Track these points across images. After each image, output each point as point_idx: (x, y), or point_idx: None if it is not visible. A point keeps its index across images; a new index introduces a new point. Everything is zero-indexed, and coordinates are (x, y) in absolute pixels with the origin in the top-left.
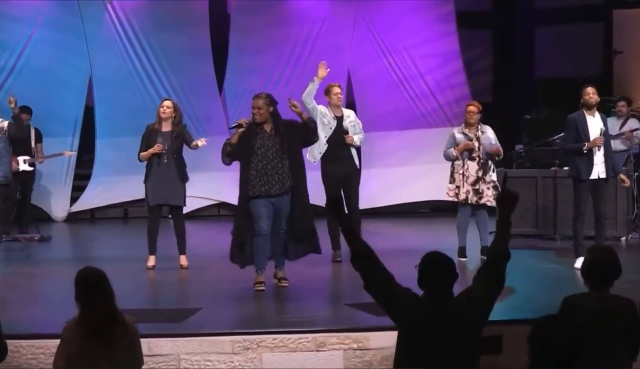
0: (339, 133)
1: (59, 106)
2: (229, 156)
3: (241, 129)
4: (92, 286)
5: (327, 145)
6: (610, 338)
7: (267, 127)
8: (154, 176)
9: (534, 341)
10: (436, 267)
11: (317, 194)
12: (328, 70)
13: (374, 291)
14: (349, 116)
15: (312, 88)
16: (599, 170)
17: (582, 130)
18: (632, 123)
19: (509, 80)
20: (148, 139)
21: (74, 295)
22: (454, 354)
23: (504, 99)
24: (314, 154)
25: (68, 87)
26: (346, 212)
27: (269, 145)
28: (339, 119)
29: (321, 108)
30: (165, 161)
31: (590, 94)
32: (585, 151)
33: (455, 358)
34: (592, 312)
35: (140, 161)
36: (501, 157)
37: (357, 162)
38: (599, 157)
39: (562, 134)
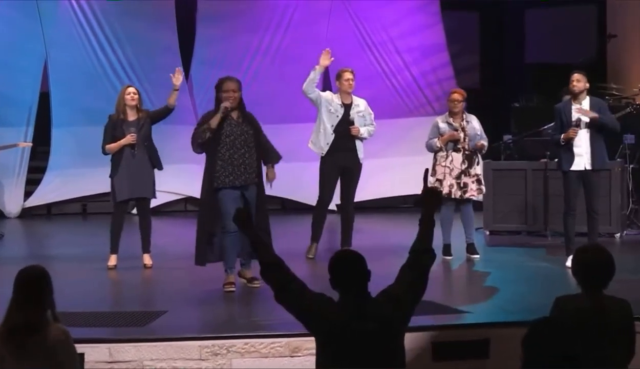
0: (346, 122)
1: (11, 93)
2: (205, 143)
3: (223, 113)
4: (26, 286)
5: (334, 135)
6: (603, 340)
7: (235, 114)
8: (126, 168)
9: (528, 344)
10: (345, 266)
11: (309, 189)
12: (332, 59)
13: (286, 301)
14: (359, 105)
15: (314, 76)
16: (584, 161)
17: (565, 120)
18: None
19: (497, 66)
20: (114, 130)
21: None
22: (375, 356)
23: (491, 86)
24: (320, 145)
25: (21, 72)
26: (254, 224)
27: (237, 133)
28: (347, 107)
29: (327, 95)
30: (137, 151)
31: (574, 81)
32: (562, 143)
33: (377, 360)
34: (585, 313)
35: (106, 154)
36: (485, 151)
37: (361, 155)
38: (583, 148)
39: (553, 123)
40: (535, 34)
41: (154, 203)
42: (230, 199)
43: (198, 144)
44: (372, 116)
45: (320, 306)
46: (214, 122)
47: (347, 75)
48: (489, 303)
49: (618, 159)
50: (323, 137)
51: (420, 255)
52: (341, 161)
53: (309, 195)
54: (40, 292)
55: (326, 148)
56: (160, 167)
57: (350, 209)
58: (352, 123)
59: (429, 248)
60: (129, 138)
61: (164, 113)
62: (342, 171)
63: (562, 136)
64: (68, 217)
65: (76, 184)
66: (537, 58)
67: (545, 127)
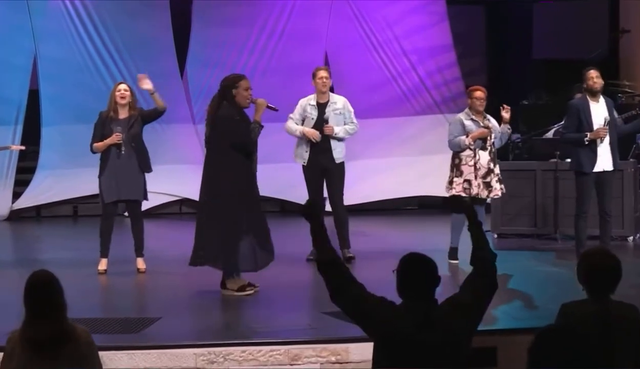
0: (321, 123)
1: None
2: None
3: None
4: (39, 293)
5: (310, 140)
6: (612, 348)
7: None
8: (111, 169)
9: (535, 353)
10: (417, 270)
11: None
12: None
13: (343, 304)
14: (336, 102)
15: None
16: (603, 162)
17: (584, 118)
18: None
19: (504, 62)
20: (102, 128)
21: (23, 300)
22: (438, 365)
23: (498, 83)
24: (302, 155)
25: (9, 68)
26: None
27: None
28: (322, 106)
29: (300, 103)
30: (124, 151)
31: (594, 77)
32: (587, 143)
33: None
34: (592, 320)
35: (94, 152)
36: (511, 130)
37: (337, 155)
38: (603, 148)
39: (563, 122)
40: (543, 29)
41: (147, 205)
42: None
43: (253, 143)
44: (352, 113)
45: (383, 312)
46: (259, 118)
47: (321, 73)
48: (496, 310)
49: (631, 160)
50: (303, 146)
51: (486, 262)
52: (320, 162)
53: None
54: (58, 298)
55: (307, 156)
56: (148, 170)
57: (339, 210)
58: (327, 122)
59: (489, 253)
60: (114, 138)
61: (156, 115)
62: (322, 173)
63: (589, 135)
64: (58, 219)
65: (67, 185)
66: (546, 54)
67: (556, 126)
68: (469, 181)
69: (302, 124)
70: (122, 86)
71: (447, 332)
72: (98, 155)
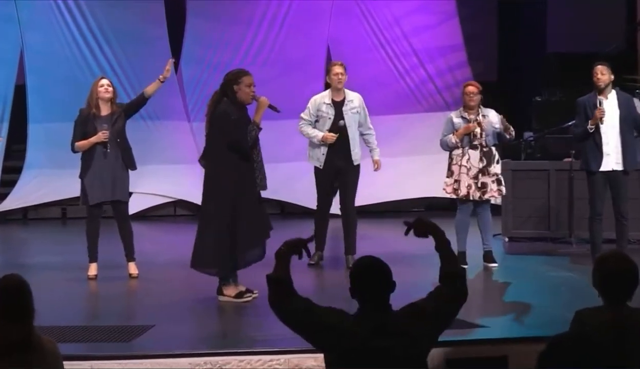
0: (337, 122)
1: None
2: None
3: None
4: (10, 297)
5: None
6: (627, 356)
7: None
8: (97, 168)
9: (546, 358)
10: (368, 274)
11: (309, 191)
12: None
13: (290, 318)
14: (353, 100)
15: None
16: (612, 161)
17: (590, 114)
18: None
19: (516, 57)
20: (84, 126)
21: None
22: None
23: (510, 79)
24: (318, 157)
25: None
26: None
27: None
28: (338, 105)
29: (313, 101)
30: (110, 150)
31: (599, 74)
32: (590, 130)
33: None
34: (608, 328)
35: (75, 152)
36: (513, 136)
37: (355, 156)
38: (611, 146)
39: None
40: (557, 21)
41: (140, 207)
42: None
43: (248, 145)
44: (367, 111)
45: (335, 322)
46: (259, 119)
47: (337, 69)
48: (507, 317)
49: None
50: (320, 148)
51: (453, 278)
52: (335, 164)
53: (309, 197)
54: (28, 303)
55: (323, 158)
56: (133, 168)
57: (351, 213)
58: (344, 124)
59: (456, 269)
60: (100, 135)
61: (139, 103)
62: (336, 174)
63: (590, 122)
64: (46, 222)
65: (56, 185)
66: (560, 48)
67: (569, 123)
68: (457, 181)
69: (319, 128)
70: (105, 81)
71: (403, 338)
72: (75, 153)
